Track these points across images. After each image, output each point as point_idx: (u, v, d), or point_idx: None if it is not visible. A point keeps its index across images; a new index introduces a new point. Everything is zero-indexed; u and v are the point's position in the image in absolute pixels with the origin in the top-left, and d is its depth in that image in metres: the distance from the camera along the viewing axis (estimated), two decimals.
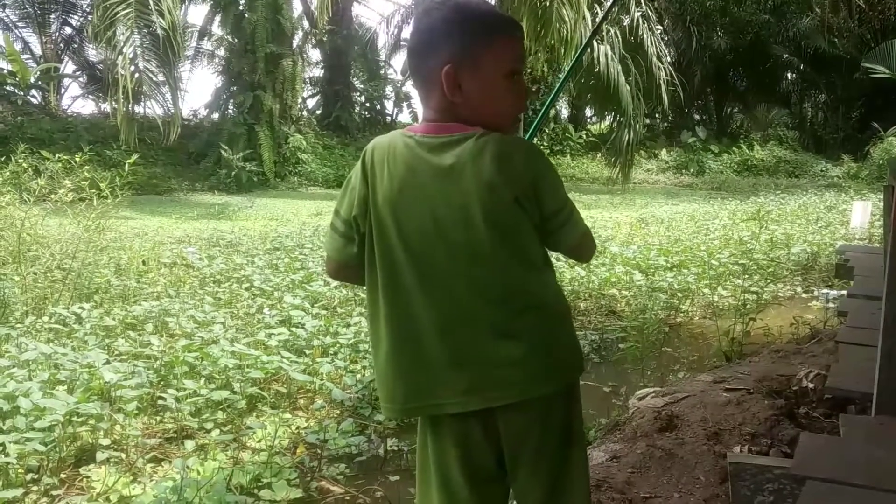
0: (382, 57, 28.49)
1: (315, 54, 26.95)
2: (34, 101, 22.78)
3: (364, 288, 1.57)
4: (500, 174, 1.41)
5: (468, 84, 1.44)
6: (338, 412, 3.86)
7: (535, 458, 1.52)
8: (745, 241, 9.17)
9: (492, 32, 1.47)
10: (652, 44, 13.40)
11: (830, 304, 5.70)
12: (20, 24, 23.84)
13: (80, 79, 25.13)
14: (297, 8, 23.09)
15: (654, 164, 24.87)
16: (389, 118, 28.11)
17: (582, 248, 1.59)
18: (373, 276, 1.50)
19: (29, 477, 2.91)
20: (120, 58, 13.58)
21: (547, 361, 1.48)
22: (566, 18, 10.63)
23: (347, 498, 3.03)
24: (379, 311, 1.50)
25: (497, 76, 1.47)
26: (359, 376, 4.17)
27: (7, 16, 23.35)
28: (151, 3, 13.34)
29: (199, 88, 74.32)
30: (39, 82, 22.93)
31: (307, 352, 4.47)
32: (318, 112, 26.24)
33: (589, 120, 28.28)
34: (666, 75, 13.84)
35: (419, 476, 1.60)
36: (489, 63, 1.45)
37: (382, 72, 28.56)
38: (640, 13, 13.04)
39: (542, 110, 3.17)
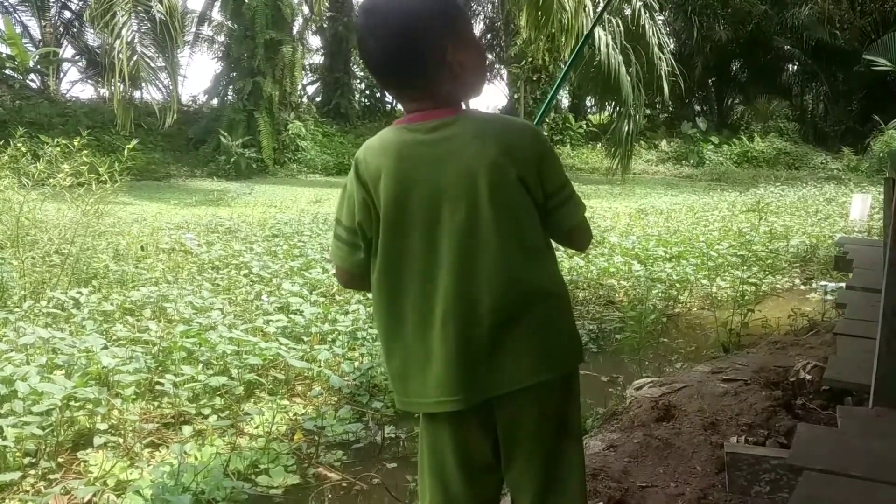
0: None
1: (315, 41, 26.89)
2: (33, 85, 22.71)
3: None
4: (505, 151, 1.42)
5: (465, 61, 1.45)
6: (335, 399, 3.86)
7: (530, 448, 1.51)
8: (745, 233, 9.17)
9: (459, 8, 1.53)
10: (653, 34, 13.35)
11: (829, 297, 5.70)
12: (20, 7, 23.76)
13: (79, 63, 25.04)
14: None
15: (654, 154, 24.84)
16: (389, 106, 28.03)
17: (581, 230, 1.58)
18: (378, 276, 1.48)
19: (26, 461, 2.92)
20: (117, 42, 13.52)
21: (547, 350, 1.47)
22: (567, 7, 10.58)
23: (345, 485, 3.03)
24: (385, 308, 1.49)
25: (479, 48, 1.53)
26: (357, 363, 4.17)
27: None
28: None
29: (199, 74, 74.00)
30: (38, 66, 22.86)
31: (305, 339, 4.47)
32: (318, 99, 26.19)
33: (589, 110, 28.23)
34: (667, 65, 13.79)
35: (420, 466, 1.60)
36: (472, 36, 1.51)
37: None
38: (641, 2, 12.98)
39: (547, 100, 3.15)
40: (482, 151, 1.41)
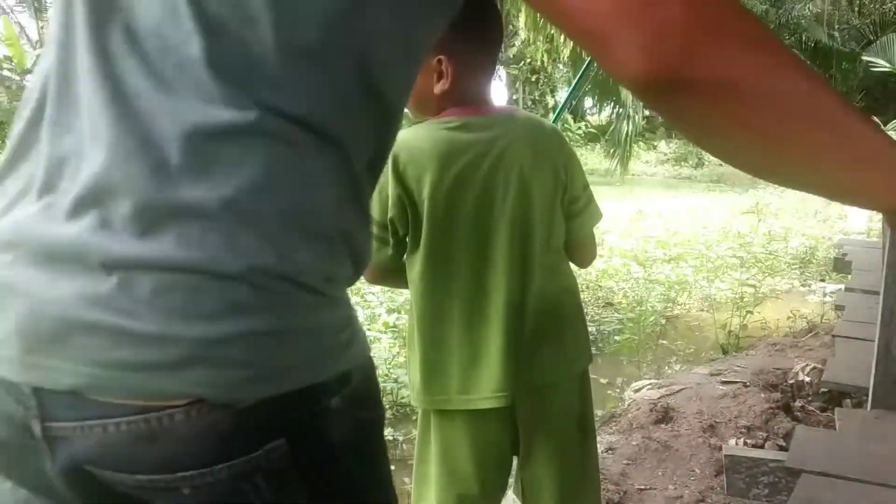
0: None
1: None
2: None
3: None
4: (544, 151, 1.46)
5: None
6: None
7: (551, 443, 1.52)
8: (744, 234, 9.17)
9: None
10: None
11: (828, 298, 5.70)
12: (17, 7, 23.74)
13: None
14: None
15: (653, 155, 24.85)
16: None
17: (591, 241, 1.63)
18: (422, 273, 1.46)
19: None
20: None
21: (576, 344, 1.53)
22: None
23: None
24: (428, 305, 1.47)
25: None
26: None
27: None
28: None
29: None
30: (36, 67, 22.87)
31: None
32: None
33: (588, 111, 28.23)
34: None
35: (421, 467, 1.56)
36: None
37: None
38: None
39: (562, 105, 3.16)
40: (526, 152, 1.43)
